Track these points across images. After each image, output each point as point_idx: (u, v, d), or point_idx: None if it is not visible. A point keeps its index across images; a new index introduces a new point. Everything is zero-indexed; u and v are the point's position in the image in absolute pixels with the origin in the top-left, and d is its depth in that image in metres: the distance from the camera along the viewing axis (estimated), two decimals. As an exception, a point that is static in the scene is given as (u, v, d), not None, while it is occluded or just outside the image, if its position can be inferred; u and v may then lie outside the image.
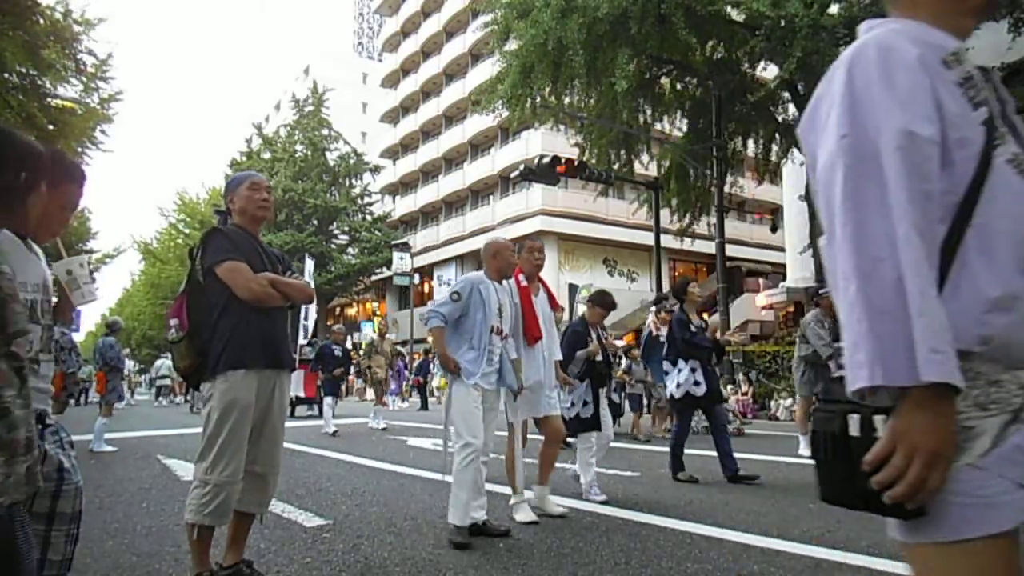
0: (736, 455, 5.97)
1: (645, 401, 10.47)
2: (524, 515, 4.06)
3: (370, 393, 12.73)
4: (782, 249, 21.53)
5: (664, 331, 9.30)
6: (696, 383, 5.59)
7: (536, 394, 4.21)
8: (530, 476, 4.48)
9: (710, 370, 5.70)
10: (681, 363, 5.69)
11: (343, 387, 14.74)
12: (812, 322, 7.05)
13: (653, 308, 9.94)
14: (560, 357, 4.58)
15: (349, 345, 15.56)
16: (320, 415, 13.45)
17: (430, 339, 4.11)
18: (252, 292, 2.63)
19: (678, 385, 5.68)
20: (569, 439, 5.38)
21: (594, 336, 5.15)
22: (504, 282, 4.02)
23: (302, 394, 13.70)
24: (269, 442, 2.77)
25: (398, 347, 16.22)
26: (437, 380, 22.96)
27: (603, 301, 5.34)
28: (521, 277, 4.25)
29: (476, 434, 3.61)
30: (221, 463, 2.58)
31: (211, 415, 2.61)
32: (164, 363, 21.23)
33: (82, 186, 1.96)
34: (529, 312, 4.15)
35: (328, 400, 10.66)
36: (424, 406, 18.58)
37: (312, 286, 19.38)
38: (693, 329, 5.74)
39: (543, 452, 4.41)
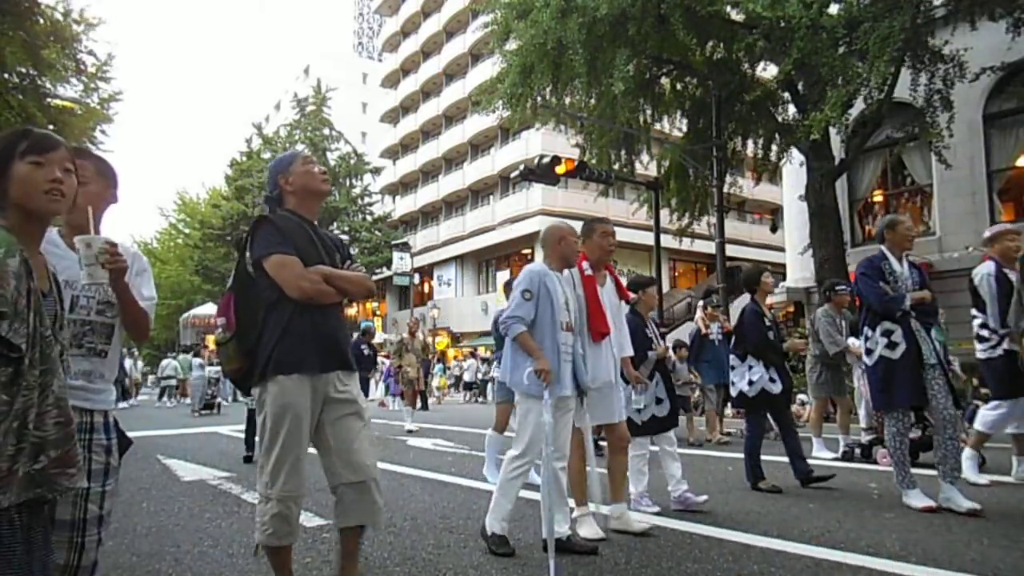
0: (737, 456, 5.97)
1: (693, 404, 9.55)
2: (590, 530, 3.60)
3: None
4: (782, 249, 21.50)
5: (714, 328, 8.68)
6: (772, 380, 5.15)
7: (607, 397, 3.76)
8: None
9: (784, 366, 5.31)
10: (751, 359, 5.23)
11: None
12: (823, 318, 6.78)
13: (700, 303, 9.25)
14: (631, 353, 4.11)
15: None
16: None
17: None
18: (302, 291, 2.35)
19: (751, 383, 5.18)
20: (602, 443, 5.17)
21: (650, 328, 4.72)
22: (565, 271, 3.65)
23: None
24: (343, 449, 2.44)
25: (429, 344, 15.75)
26: (437, 380, 22.98)
27: (651, 283, 4.94)
28: (585, 265, 3.78)
29: (534, 449, 3.28)
30: (280, 476, 2.34)
31: (264, 424, 2.37)
32: (170, 363, 21.11)
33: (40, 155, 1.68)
34: (594, 304, 3.70)
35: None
36: (424, 406, 18.58)
37: None
38: (768, 323, 5.31)
39: (613, 463, 3.91)
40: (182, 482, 5.83)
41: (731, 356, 5.48)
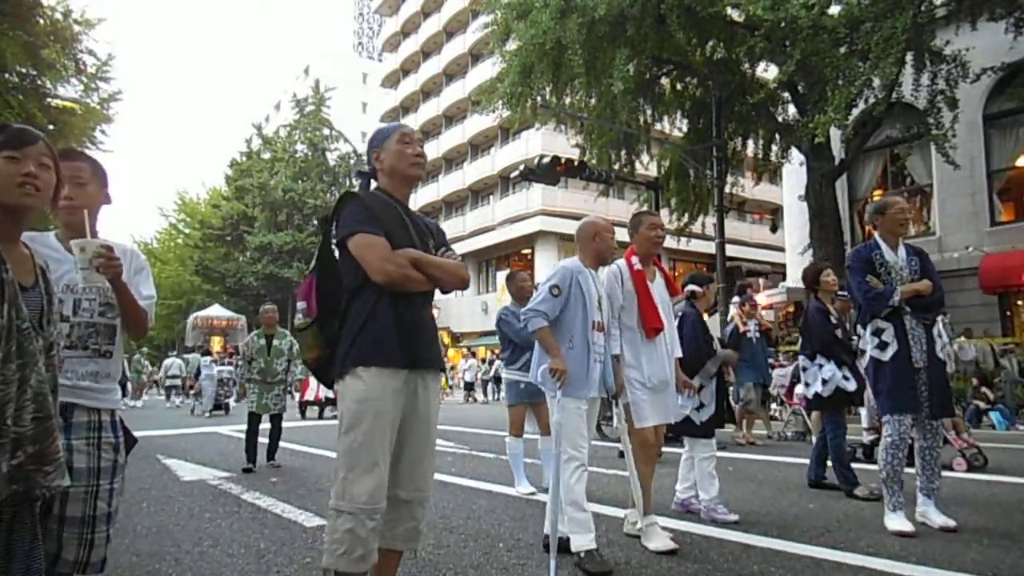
0: (738, 456, 5.98)
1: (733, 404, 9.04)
2: (659, 541, 3.36)
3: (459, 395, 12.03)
4: (782, 249, 21.50)
5: (752, 325, 8.22)
6: (846, 378, 4.92)
7: (663, 396, 3.56)
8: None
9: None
10: (821, 358, 5.01)
11: None
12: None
13: (736, 300, 8.81)
14: (679, 353, 3.84)
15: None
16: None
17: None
18: (387, 274, 2.10)
19: (824, 382, 4.94)
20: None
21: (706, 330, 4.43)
22: (598, 268, 3.47)
23: (332, 395, 12.58)
24: (412, 461, 2.19)
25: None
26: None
27: (711, 280, 4.62)
28: (634, 259, 3.63)
29: (582, 446, 3.16)
30: (355, 484, 2.02)
31: (341, 423, 2.12)
32: (175, 362, 20.96)
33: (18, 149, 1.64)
34: (646, 299, 3.53)
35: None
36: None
37: None
38: (834, 320, 5.09)
39: (647, 469, 3.62)
40: (182, 482, 5.83)
41: (800, 357, 5.28)
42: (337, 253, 2.23)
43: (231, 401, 16.62)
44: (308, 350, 2.30)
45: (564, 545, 3.16)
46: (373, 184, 2.40)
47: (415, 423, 2.19)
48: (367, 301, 2.14)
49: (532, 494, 4.88)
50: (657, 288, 3.66)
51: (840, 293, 6.80)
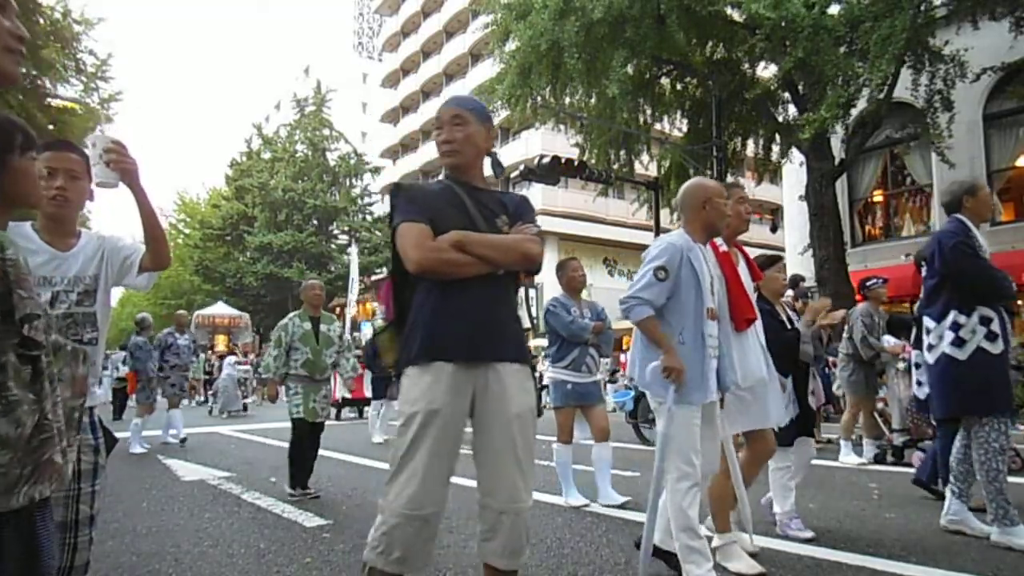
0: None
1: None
2: (743, 563, 2.96)
3: None
4: (782, 249, 21.49)
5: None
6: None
7: (758, 397, 3.12)
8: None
9: None
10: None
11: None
12: (862, 318, 6.34)
13: (790, 294, 8.37)
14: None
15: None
16: (361, 417, 12.87)
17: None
18: (418, 262, 1.90)
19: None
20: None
21: (784, 317, 3.75)
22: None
23: (348, 394, 12.29)
24: (494, 466, 1.98)
25: None
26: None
27: (777, 260, 3.89)
28: (718, 240, 3.06)
29: (695, 462, 2.64)
30: (396, 486, 1.89)
31: (396, 432, 1.98)
32: None
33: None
34: (737, 285, 3.00)
35: (375, 403, 9.51)
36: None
37: (354, 269, 17.61)
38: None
39: (748, 479, 3.20)
40: (182, 482, 5.83)
41: (914, 353, 4.90)
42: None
43: (248, 401, 16.34)
44: (386, 353, 2.17)
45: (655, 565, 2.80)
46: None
47: (491, 424, 1.97)
48: (423, 294, 1.99)
49: (585, 506, 4.42)
50: (743, 273, 3.15)
51: (871, 283, 6.48)
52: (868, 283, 6.59)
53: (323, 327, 5.23)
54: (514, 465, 1.98)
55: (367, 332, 31.56)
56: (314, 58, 52.30)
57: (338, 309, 42.32)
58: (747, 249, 3.43)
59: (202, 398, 19.53)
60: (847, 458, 6.32)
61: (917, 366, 4.63)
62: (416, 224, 1.94)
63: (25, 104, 11.77)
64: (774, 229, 21.50)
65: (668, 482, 2.66)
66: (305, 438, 5.06)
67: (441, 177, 2.18)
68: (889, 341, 6.31)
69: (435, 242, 1.92)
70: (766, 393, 3.13)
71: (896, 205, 15.88)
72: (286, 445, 4.81)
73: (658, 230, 15.75)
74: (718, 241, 3.04)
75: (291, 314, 5.35)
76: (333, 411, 14.02)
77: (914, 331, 4.43)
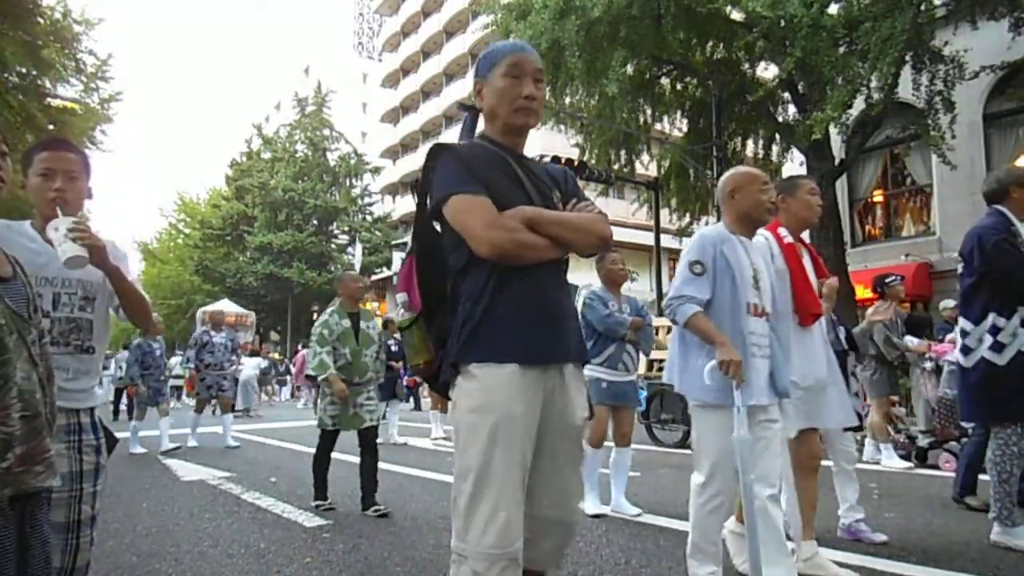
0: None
1: None
2: (828, 574, 2.83)
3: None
4: (782, 249, 21.55)
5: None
6: None
7: (820, 397, 2.92)
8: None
9: None
10: None
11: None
12: (876, 314, 6.13)
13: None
14: None
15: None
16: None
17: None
18: (494, 244, 1.59)
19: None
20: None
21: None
22: (756, 237, 2.72)
23: None
24: (552, 477, 1.69)
25: None
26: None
27: None
28: (783, 231, 2.93)
29: (724, 474, 2.45)
30: (479, 520, 1.53)
31: (457, 439, 1.65)
32: (176, 360, 20.75)
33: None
34: (801, 278, 2.85)
35: (393, 401, 9.07)
36: (417, 406, 18.60)
37: (356, 267, 17.26)
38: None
39: (803, 486, 2.98)
40: (182, 482, 5.83)
41: (956, 353, 4.72)
42: (437, 225, 1.74)
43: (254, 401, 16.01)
44: (415, 353, 1.80)
45: None
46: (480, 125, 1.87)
47: (556, 432, 1.68)
48: (477, 281, 1.66)
49: (601, 516, 4.14)
50: (807, 267, 2.99)
51: (890, 280, 6.17)
52: (888, 280, 6.27)
53: (363, 324, 4.65)
54: (576, 477, 1.78)
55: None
56: (314, 58, 52.31)
57: (338, 309, 42.43)
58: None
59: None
60: (890, 461, 6.01)
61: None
62: (479, 197, 1.62)
63: (25, 104, 11.75)
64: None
65: (692, 484, 2.52)
66: (331, 450, 4.62)
67: (476, 139, 1.82)
68: (912, 341, 6.17)
69: (509, 220, 1.61)
70: (825, 393, 2.93)
71: (896, 205, 15.89)
72: (286, 445, 4.73)
73: (658, 230, 15.76)
74: (782, 232, 2.91)
75: (329, 309, 4.78)
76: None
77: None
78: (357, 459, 4.55)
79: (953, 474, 4.36)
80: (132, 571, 3.21)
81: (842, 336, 3.73)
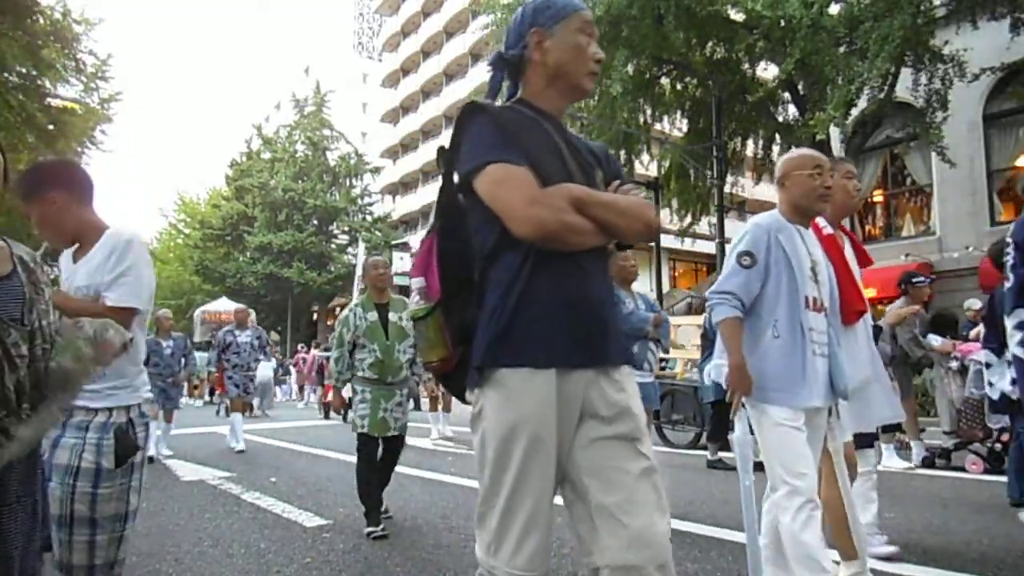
0: (725, 455, 5.95)
1: None
2: None
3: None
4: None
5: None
6: None
7: (863, 399, 2.68)
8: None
9: None
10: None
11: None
12: (898, 312, 5.87)
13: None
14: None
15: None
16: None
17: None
18: (537, 224, 1.35)
19: (1014, 381, 4.14)
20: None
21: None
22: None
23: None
24: (621, 501, 1.39)
25: None
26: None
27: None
28: (821, 221, 2.64)
29: (804, 473, 2.17)
30: (510, 539, 1.38)
31: (483, 451, 1.44)
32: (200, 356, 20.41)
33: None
34: (845, 272, 2.62)
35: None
36: (416, 406, 18.55)
37: (359, 267, 16.78)
38: None
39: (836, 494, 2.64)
40: (182, 482, 5.83)
41: (983, 352, 4.60)
42: (464, 199, 1.50)
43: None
44: (430, 348, 1.55)
45: None
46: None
47: (609, 448, 1.43)
48: (510, 268, 1.42)
49: None
50: (849, 259, 2.74)
51: (917, 280, 5.88)
52: (915, 280, 5.95)
53: (393, 316, 4.11)
54: (652, 500, 1.42)
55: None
56: (314, 58, 52.29)
57: (338, 309, 42.37)
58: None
59: (208, 398, 19.19)
60: (890, 461, 5.92)
61: (988, 365, 4.27)
62: (520, 168, 1.39)
63: (25, 104, 11.76)
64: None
65: (774, 503, 2.21)
66: (374, 458, 4.06)
67: (513, 102, 1.58)
68: (936, 340, 6.10)
69: (554, 198, 1.38)
70: (870, 391, 2.72)
71: (896, 205, 15.90)
72: (286, 445, 4.66)
73: (658, 230, 15.78)
74: (821, 223, 2.63)
75: (353, 303, 4.30)
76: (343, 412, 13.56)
77: (981, 330, 4.16)
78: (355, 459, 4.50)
79: (979, 476, 4.31)
80: (132, 571, 3.20)
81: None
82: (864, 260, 2.90)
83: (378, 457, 4.09)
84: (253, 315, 8.78)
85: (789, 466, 2.18)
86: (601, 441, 1.43)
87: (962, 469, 5.67)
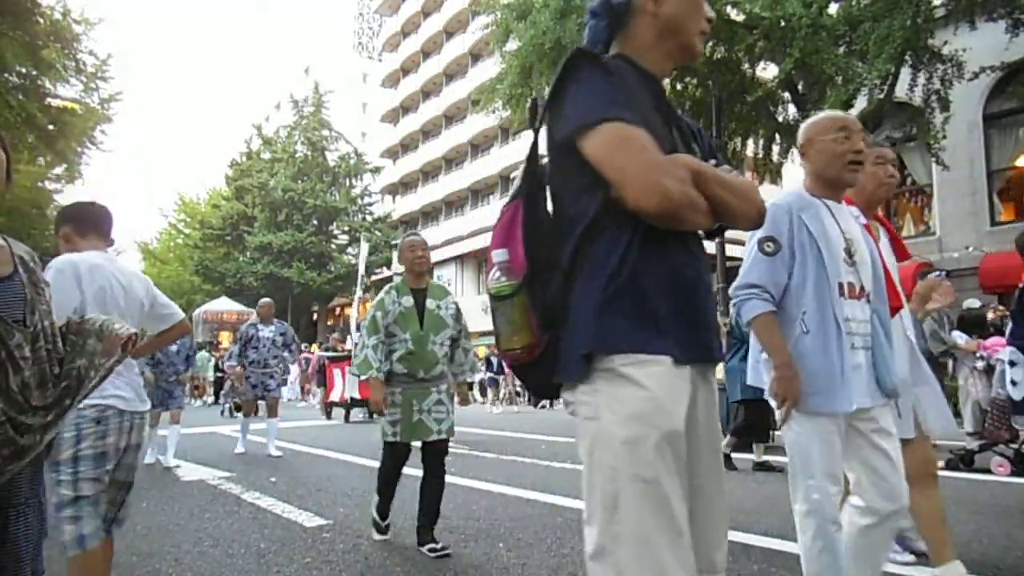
0: (735, 456, 5.94)
1: None
2: None
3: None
4: (782, 249, 21.57)
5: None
6: None
7: (900, 404, 2.40)
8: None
9: None
10: None
11: None
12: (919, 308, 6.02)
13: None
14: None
15: (349, 345, 15.29)
16: (371, 418, 12.01)
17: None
18: (665, 195, 1.17)
19: None
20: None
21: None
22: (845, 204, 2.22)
23: (357, 395, 11.26)
24: (703, 517, 1.27)
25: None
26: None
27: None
28: (853, 210, 2.32)
29: (830, 490, 1.91)
30: (650, 570, 1.13)
31: (601, 461, 1.19)
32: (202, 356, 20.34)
33: None
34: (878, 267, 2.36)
35: None
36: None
37: (361, 267, 16.75)
38: None
39: (922, 501, 2.44)
40: (182, 482, 5.83)
41: (1008, 350, 4.39)
42: (560, 158, 1.30)
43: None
44: (514, 332, 1.29)
45: None
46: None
47: (699, 451, 1.29)
48: (615, 244, 1.23)
49: None
50: (884, 251, 2.46)
51: (938, 273, 5.82)
52: (935, 275, 5.95)
53: (431, 303, 3.62)
54: (723, 512, 1.33)
55: (367, 332, 31.53)
56: (314, 58, 52.31)
57: (338, 310, 42.45)
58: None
59: (211, 399, 19.05)
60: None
61: (1012, 364, 4.10)
62: (641, 130, 1.20)
63: (25, 104, 11.76)
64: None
65: (796, 515, 2.00)
66: (400, 467, 3.67)
67: (615, 55, 1.38)
68: (961, 338, 6.01)
69: (679, 168, 1.21)
70: (906, 396, 2.47)
71: (896, 205, 15.91)
72: (286, 445, 4.63)
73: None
74: (854, 212, 2.32)
75: (388, 285, 3.77)
76: (341, 413, 12.74)
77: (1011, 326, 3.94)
78: (357, 458, 4.55)
79: (1006, 479, 4.24)
80: (132, 571, 3.21)
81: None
82: (902, 253, 2.69)
83: (421, 469, 3.62)
84: (255, 317, 8.36)
85: (812, 480, 1.92)
86: (698, 442, 1.28)
87: (987, 471, 5.58)
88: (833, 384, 1.92)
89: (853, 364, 1.96)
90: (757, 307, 2.01)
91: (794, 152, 14.24)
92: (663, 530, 1.14)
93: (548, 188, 1.35)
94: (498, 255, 1.32)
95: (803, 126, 2.22)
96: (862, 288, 2.04)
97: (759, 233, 2.03)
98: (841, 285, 2.00)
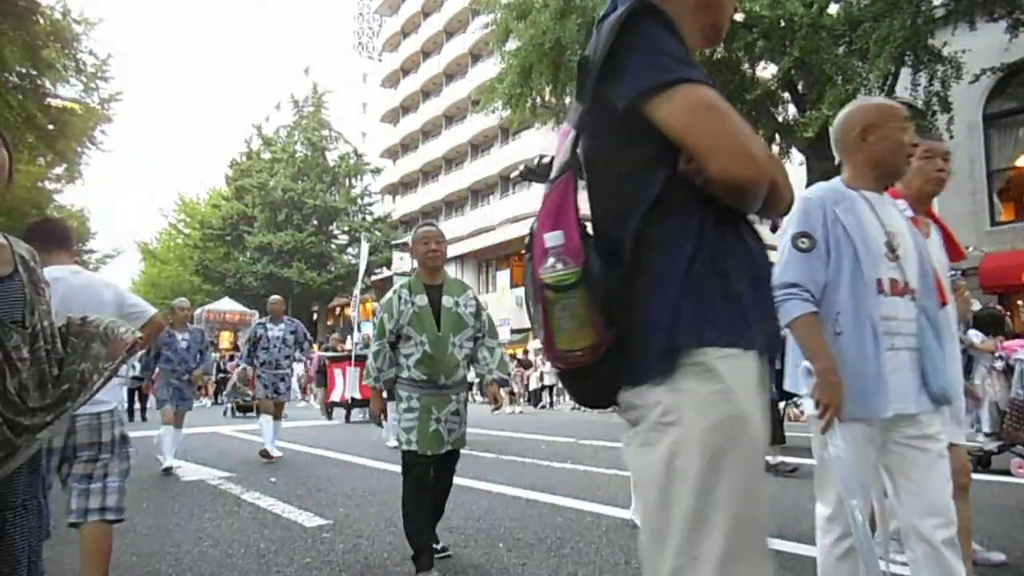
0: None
1: None
2: None
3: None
4: (782, 249, 21.55)
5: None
6: None
7: (953, 405, 2.26)
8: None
9: None
10: None
11: None
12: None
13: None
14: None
15: (349, 345, 15.28)
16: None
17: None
18: (757, 169, 1.06)
19: None
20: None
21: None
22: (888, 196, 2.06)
23: (358, 395, 11.16)
24: None
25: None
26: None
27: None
28: (900, 204, 2.16)
29: (853, 501, 1.75)
30: None
31: (679, 471, 1.04)
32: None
33: None
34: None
35: (391, 403, 8.49)
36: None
37: (362, 267, 16.64)
38: None
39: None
40: (182, 482, 5.83)
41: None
42: (609, 134, 1.15)
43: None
44: (577, 329, 1.08)
45: None
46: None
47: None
48: (687, 226, 1.09)
49: (632, 524, 3.76)
50: (933, 248, 2.30)
51: (952, 273, 5.82)
52: (948, 274, 5.88)
53: (448, 301, 3.25)
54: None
55: (367, 332, 31.53)
56: (314, 58, 52.33)
57: (338, 310, 42.45)
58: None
59: (213, 400, 19.00)
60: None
61: None
62: (716, 93, 1.08)
63: (25, 104, 11.75)
64: (774, 229, 21.49)
65: (817, 519, 1.93)
66: (426, 484, 3.22)
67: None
68: (977, 336, 5.98)
69: (763, 143, 1.12)
70: (961, 400, 2.39)
71: (896, 205, 15.90)
72: (286, 445, 4.59)
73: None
74: (901, 205, 2.16)
75: (398, 283, 3.45)
76: (342, 413, 12.74)
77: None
78: (357, 458, 4.55)
79: (1006, 479, 4.24)
80: (132, 571, 3.21)
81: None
82: (956, 254, 2.52)
83: (429, 478, 3.26)
84: (256, 316, 8.27)
85: (841, 486, 1.79)
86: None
87: (1006, 473, 5.53)
88: (867, 388, 1.80)
89: (892, 366, 1.83)
90: (797, 308, 1.84)
91: (793, 152, 14.25)
92: (757, 552, 1.02)
93: (590, 165, 1.18)
94: (552, 239, 1.09)
95: (865, 107, 2.02)
96: (906, 284, 1.89)
97: (791, 229, 1.91)
98: (880, 281, 1.86)
